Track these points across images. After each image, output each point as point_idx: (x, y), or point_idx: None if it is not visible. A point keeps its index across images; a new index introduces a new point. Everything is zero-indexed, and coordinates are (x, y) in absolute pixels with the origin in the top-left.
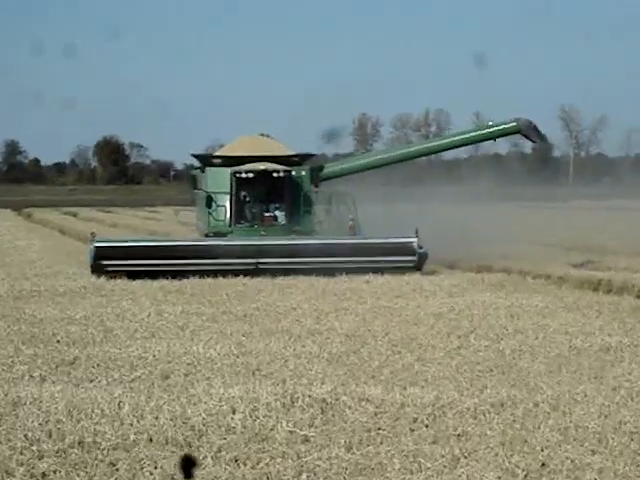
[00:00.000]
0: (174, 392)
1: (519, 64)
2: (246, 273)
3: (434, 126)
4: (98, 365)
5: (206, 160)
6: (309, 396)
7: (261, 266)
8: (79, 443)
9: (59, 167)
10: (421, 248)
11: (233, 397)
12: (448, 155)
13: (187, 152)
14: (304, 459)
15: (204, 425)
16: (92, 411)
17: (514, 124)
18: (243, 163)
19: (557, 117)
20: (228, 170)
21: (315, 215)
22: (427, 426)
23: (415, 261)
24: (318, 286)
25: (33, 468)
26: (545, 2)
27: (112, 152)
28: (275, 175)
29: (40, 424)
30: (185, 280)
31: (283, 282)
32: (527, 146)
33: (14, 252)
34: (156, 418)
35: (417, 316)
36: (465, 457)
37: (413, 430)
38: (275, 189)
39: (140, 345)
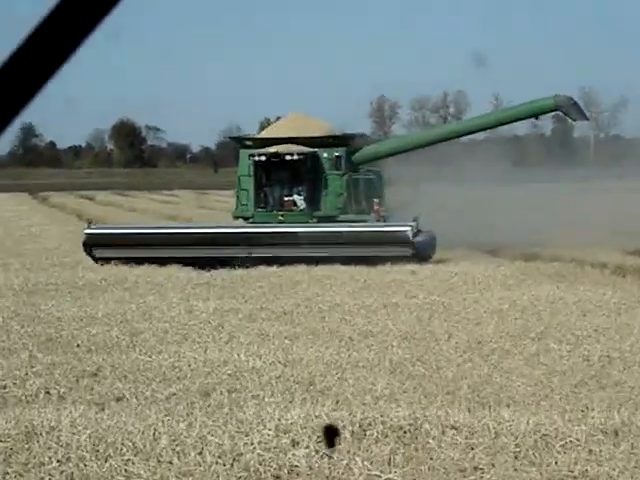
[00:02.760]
0: (218, 417)
1: (539, 45)
2: (242, 262)
3: (452, 108)
4: (125, 377)
5: (239, 142)
6: (382, 423)
7: (254, 254)
8: None
9: (75, 150)
10: (417, 236)
11: (291, 424)
12: (464, 137)
13: (204, 135)
14: None
15: (261, 464)
16: (122, 444)
17: (551, 100)
18: (272, 145)
19: (577, 98)
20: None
21: (341, 199)
22: (533, 463)
23: (410, 251)
24: (359, 278)
25: None
26: None
27: (128, 135)
28: (288, 158)
29: (59, 462)
30: (214, 271)
31: (320, 273)
32: (547, 127)
33: (29, 240)
34: (200, 454)
35: (477, 314)
36: None
37: (516, 470)
38: (293, 173)
39: (172, 351)
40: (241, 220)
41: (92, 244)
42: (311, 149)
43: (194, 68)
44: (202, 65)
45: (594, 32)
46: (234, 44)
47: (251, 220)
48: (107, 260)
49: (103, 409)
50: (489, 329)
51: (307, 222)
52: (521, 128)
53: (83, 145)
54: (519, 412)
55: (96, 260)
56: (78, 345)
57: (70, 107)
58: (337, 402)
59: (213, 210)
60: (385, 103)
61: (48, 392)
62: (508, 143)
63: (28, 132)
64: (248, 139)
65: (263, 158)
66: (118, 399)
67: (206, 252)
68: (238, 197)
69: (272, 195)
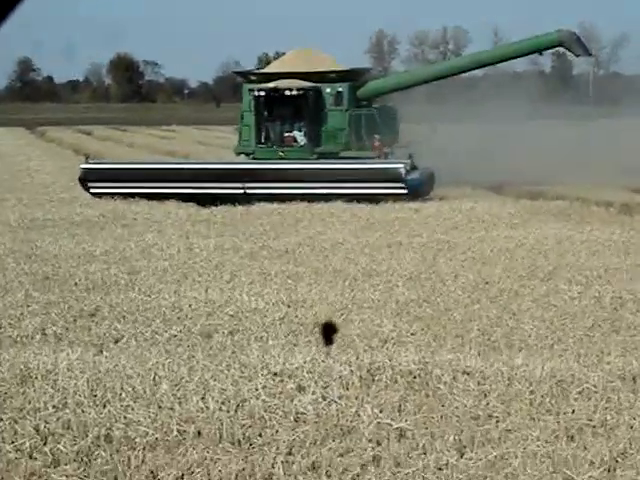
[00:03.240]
0: (221, 360)
1: None
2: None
3: (451, 44)
4: (124, 318)
5: (243, 77)
6: (391, 367)
7: (249, 191)
8: (106, 438)
9: (73, 85)
10: (410, 173)
11: (296, 368)
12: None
13: (202, 70)
14: (405, 470)
15: (266, 411)
16: (121, 389)
17: (554, 35)
18: (276, 80)
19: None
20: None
21: (342, 135)
22: (549, 411)
23: (405, 188)
24: (361, 215)
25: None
26: None
27: (126, 70)
28: (288, 93)
29: (55, 408)
30: (214, 208)
31: (322, 210)
32: (546, 64)
33: (26, 175)
34: (202, 399)
35: (484, 253)
36: (619, 458)
37: (532, 418)
38: (294, 108)
39: (172, 290)
40: (243, 156)
41: (88, 179)
42: (312, 84)
43: (192, 3)
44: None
45: None
46: None
47: (252, 156)
48: (102, 195)
49: (101, 351)
50: (496, 269)
51: (307, 158)
52: (520, 65)
53: (81, 80)
54: (532, 357)
55: (90, 194)
56: (76, 284)
57: (68, 42)
58: (343, 345)
59: (211, 146)
60: (384, 38)
61: (44, 332)
62: (507, 80)
63: (25, 66)
64: (252, 74)
65: (263, 93)
66: (117, 340)
67: (202, 189)
68: (240, 133)
69: (273, 131)
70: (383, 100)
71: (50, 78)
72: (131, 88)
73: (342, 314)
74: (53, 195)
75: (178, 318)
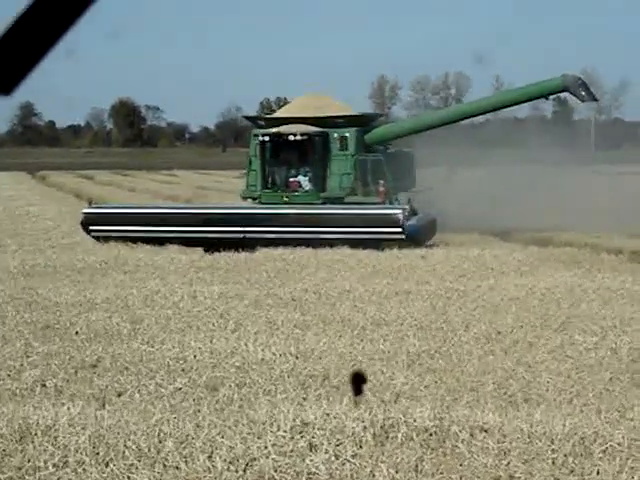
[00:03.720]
0: (228, 415)
1: (539, 26)
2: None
3: (453, 89)
4: (127, 369)
5: (252, 122)
6: (406, 424)
7: (248, 236)
8: None
9: (74, 129)
10: (410, 219)
11: (307, 425)
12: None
13: (203, 115)
14: None
15: (276, 470)
16: (124, 446)
17: (559, 80)
18: (284, 124)
19: None
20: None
21: (348, 180)
22: (573, 472)
23: (402, 234)
24: (368, 262)
25: None
26: None
27: (128, 114)
28: (292, 138)
29: (56, 467)
30: (217, 254)
31: (327, 257)
32: (548, 110)
33: (27, 219)
34: (210, 458)
35: (494, 301)
36: None
37: (556, 479)
38: (298, 153)
39: (176, 341)
40: (249, 200)
41: (90, 223)
42: (316, 129)
43: (195, 48)
44: (202, 45)
45: (595, 14)
46: (235, 24)
47: (258, 201)
48: (105, 239)
49: (104, 405)
50: (508, 319)
51: (312, 203)
52: (521, 111)
53: (82, 124)
54: (552, 412)
55: (92, 237)
56: (77, 332)
57: (72, 85)
58: (355, 401)
59: (213, 190)
60: (386, 84)
61: (44, 385)
62: (509, 125)
63: (27, 111)
64: (261, 118)
65: (267, 138)
66: (120, 394)
67: (201, 233)
68: (248, 178)
69: (278, 176)
70: (399, 144)
71: (52, 123)
72: (132, 133)
73: (352, 365)
74: (54, 241)
75: (182, 370)
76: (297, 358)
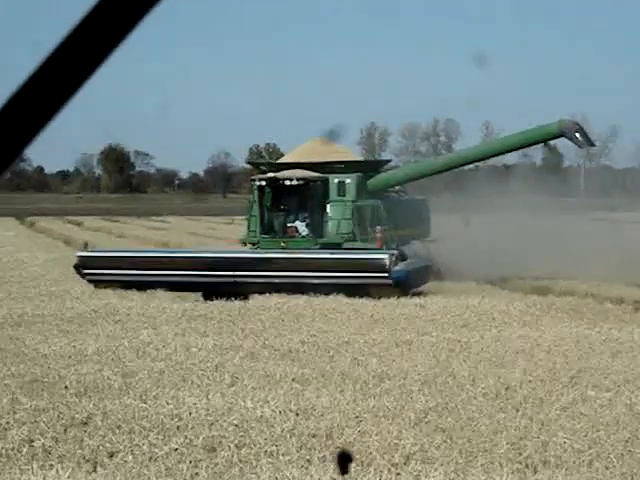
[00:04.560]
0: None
1: (529, 73)
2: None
3: (443, 136)
4: (119, 427)
5: (256, 167)
6: None
7: (238, 280)
8: None
9: (63, 175)
10: (398, 265)
11: None
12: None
13: (192, 161)
14: None
15: None
16: None
17: (555, 126)
18: (283, 170)
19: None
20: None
21: (345, 226)
22: None
23: (389, 280)
24: (365, 312)
25: None
26: (554, 8)
27: (117, 160)
28: (288, 183)
29: None
30: (209, 303)
31: (322, 306)
32: (536, 157)
33: (15, 266)
34: None
35: (499, 354)
36: None
37: None
38: (296, 198)
39: (170, 396)
40: (249, 246)
41: (85, 267)
42: (314, 174)
43: (181, 95)
44: (189, 93)
45: (585, 61)
46: (221, 70)
47: (257, 246)
48: (100, 283)
49: (95, 468)
50: (516, 373)
51: (309, 249)
52: (510, 157)
53: (71, 170)
54: (572, 476)
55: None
56: (66, 387)
57: (57, 132)
58: (363, 462)
59: (204, 237)
60: (375, 130)
61: (32, 444)
62: (498, 172)
63: None
64: (264, 164)
65: (263, 183)
66: (111, 454)
67: (196, 277)
68: (249, 223)
69: (276, 221)
70: (414, 192)
71: (41, 168)
72: (122, 178)
73: (356, 424)
74: (43, 288)
75: (178, 428)
76: (297, 415)
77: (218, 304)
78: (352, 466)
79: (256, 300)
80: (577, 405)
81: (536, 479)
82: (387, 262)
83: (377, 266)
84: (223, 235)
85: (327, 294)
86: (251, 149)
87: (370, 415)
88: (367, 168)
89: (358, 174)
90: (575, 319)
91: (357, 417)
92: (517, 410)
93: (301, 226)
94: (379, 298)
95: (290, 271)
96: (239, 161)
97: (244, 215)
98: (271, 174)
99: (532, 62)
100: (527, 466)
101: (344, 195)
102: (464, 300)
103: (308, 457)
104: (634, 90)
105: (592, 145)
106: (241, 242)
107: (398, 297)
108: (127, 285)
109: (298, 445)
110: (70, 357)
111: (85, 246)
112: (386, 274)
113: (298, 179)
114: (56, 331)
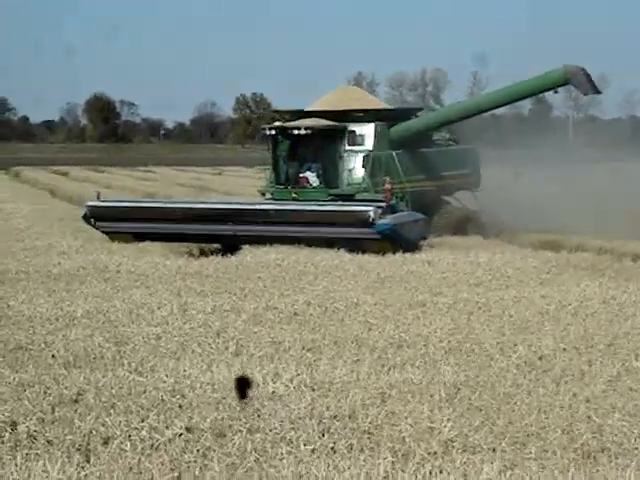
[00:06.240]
0: (245, 475)
1: (515, 22)
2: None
3: (431, 86)
4: (113, 407)
5: (281, 116)
6: None
7: (238, 233)
8: None
9: (49, 125)
10: (382, 218)
11: None
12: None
13: (178, 110)
14: None
15: None
16: None
17: (561, 72)
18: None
19: None
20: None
21: (358, 177)
22: None
23: (376, 235)
24: (370, 269)
25: None
26: None
27: (102, 110)
28: (296, 132)
29: None
30: (204, 259)
31: (325, 262)
32: (525, 107)
33: None
34: None
35: (523, 317)
36: None
37: None
38: (307, 149)
39: (169, 367)
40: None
41: (95, 217)
42: (324, 123)
43: (172, 43)
44: (180, 40)
45: (576, 8)
46: (213, 18)
47: (272, 196)
48: (113, 235)
49: (88, 459)
50: (546, 339)
51: (320, 200)
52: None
53: (56, 120)
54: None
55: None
56: (53, 356)
57: (44, 80)
58: (399, 451)
59: (192, 187)
60: (362, 80)
61: (15, 427)
62: (487, 123)
63: (1, 106)
64: (287, 112)
65: (273, 132)
66: (105, 441)
67: (199, 229)
68: (268, 173)
69: (289, 171)
70: (465, 141)
71: (26, 118)
72: (107, 128)
73: (381, 402)
74: (27, 242)
75: (180, 407)
76: (313, 390)
77: (213, 260)
78: (388, 457)
79: (254, 256)
80: (623, 378)
81: (603, 474)
82: (372, 215)
83: (361, 219)
84: (214, 187)
85: (319, 247)
86: (237, 98)
87: (395, 391)
88: (392, 117)
89: (379, 123)
90: (596, 277)
91: (381, 393)
92: (557, 384)
93: (312, 176)
94: (368, 252)
95: (276, 225)
96: (225, 111)
97: (231, 166)
98: (278, 123)
99: (521, 10)
100: (585, 456)
101: (361, 145)
102: (474, 256)
103: (332, 445)
104: (624, 37)
105: (598, 92)
106: (260, 193)
107: (386, 253)
108: (140, 237)
109: (319, 431)
110: (57, 320)
111: (98, 196)
112: (371, 228)
113: (306, 128)
114: (42, 290)
